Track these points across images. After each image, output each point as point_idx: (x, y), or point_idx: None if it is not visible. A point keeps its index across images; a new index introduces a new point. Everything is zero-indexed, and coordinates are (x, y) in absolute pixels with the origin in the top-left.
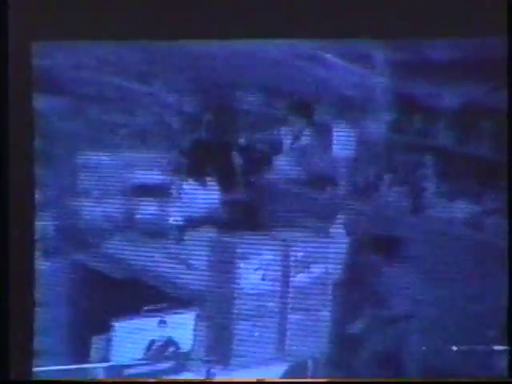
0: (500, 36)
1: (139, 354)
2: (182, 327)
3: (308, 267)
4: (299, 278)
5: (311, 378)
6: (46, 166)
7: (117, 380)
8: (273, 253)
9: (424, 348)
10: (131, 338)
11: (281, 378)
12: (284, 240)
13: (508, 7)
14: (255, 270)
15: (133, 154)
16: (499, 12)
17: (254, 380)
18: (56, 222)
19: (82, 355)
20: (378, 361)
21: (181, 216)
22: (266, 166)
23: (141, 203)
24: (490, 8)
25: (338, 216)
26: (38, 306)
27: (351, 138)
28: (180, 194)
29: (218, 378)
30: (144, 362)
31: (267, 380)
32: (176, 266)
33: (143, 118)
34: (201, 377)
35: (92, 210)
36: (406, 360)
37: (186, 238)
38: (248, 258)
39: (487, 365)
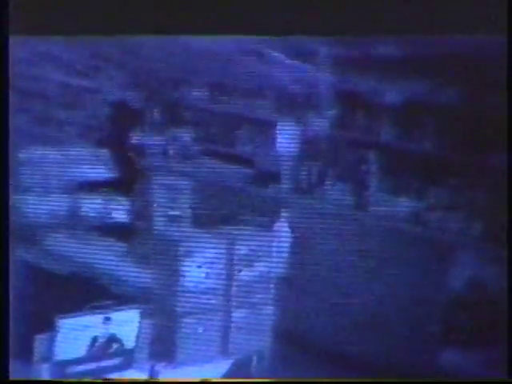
0: (450, 34)
1: (83, 351)
2: (127, 324)
3: (252, 263)
4: (243, 275)
5: (255, 375)
6: None
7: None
8: (216, 249)
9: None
10: (75, 335)
11: (225, 378)
12: (228, 237)
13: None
14: (199, 266)
15: (76, 149)
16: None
17: (198, 380)
18: None
19: (25, 352)
20: (323, 357)
21: (125, 212)
22: (211, 162)
23: (85, 199)
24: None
25: (282, 212)
26: None
27: (295, 135)
28: (124, 190)
29: (163, 378)
30: (88, 359)
31: (212, 380)
32: (120, 262)
33: (86, 113)
34: (144, 373)
35: (36, 206)
36: (348, 355)
37: (130, 234)
38: (192, 255)
39: (428, 360)
